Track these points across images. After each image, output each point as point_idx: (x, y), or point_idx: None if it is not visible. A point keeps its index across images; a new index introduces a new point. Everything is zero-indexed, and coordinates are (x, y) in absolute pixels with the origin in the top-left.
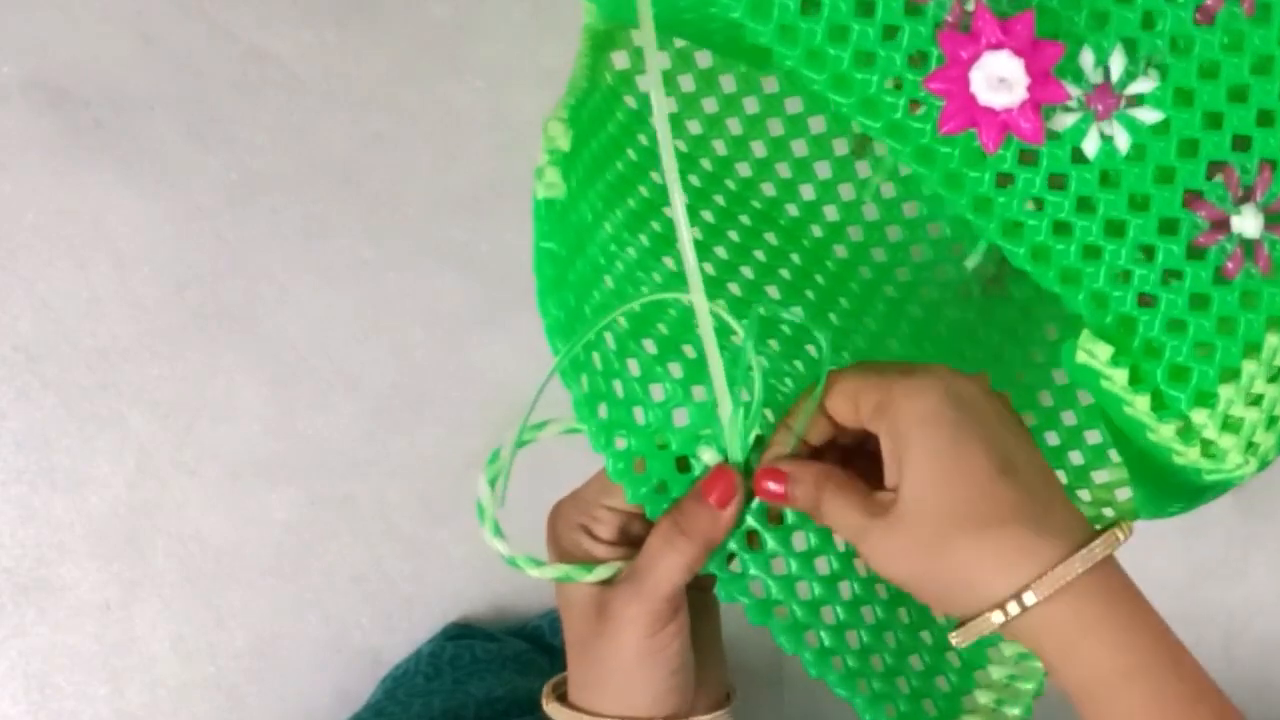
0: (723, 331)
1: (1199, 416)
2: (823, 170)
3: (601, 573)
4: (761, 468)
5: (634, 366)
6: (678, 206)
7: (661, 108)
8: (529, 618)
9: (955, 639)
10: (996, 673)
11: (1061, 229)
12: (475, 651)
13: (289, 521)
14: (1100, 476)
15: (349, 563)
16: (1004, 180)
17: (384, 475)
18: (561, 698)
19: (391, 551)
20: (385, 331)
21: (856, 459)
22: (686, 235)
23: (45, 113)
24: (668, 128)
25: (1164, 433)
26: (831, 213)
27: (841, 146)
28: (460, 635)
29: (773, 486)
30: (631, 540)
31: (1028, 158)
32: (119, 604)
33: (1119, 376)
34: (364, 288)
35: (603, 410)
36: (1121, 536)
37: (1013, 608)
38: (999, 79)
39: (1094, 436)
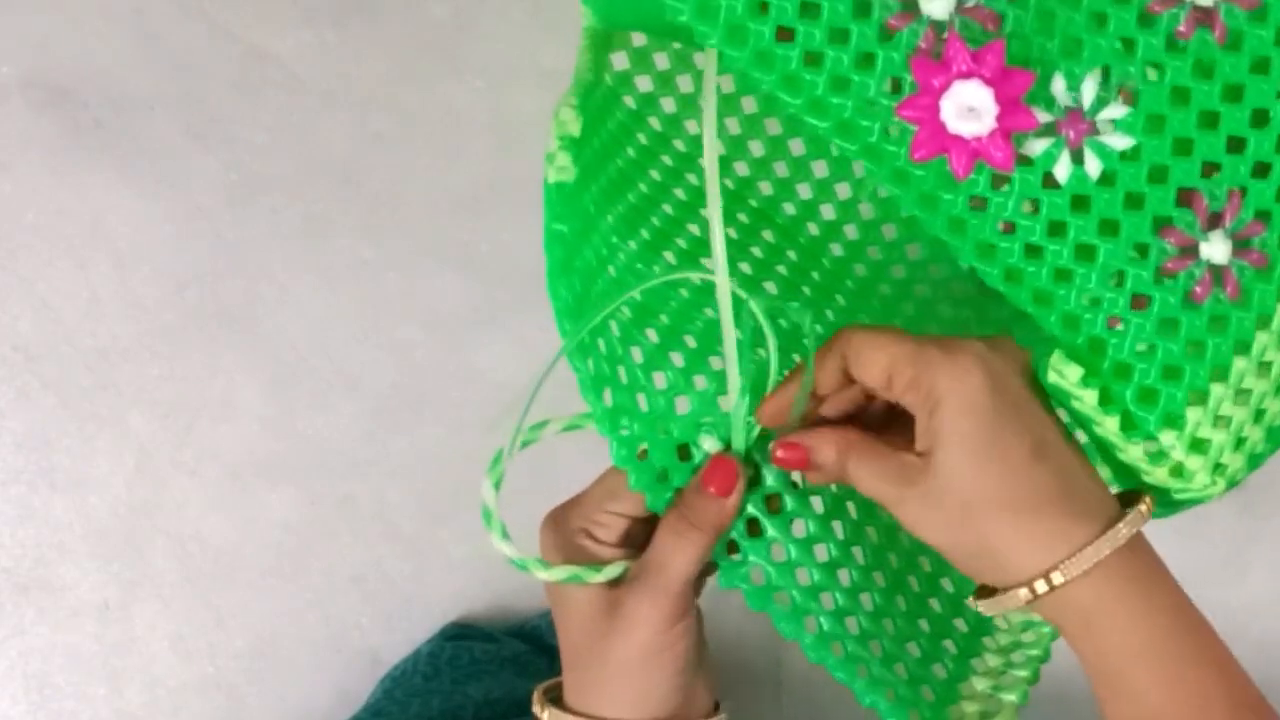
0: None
1: (1167, 438)
2: (820, 170)
3: (610, 572)
4: (777, 441)
5: (637, 354)
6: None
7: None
8: (528, 618)
9: (982, 607)
10: (993, 660)
11: (1033, 252)
12: (474, 652)
13: (288, 521)
14: None
15: (348, 563)
16: (977, 203)
17: (384, 475)
18: (554, 702)
19: (391, 552)
20: (385, 331)
21: (866, 416)
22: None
23: (45, 112)
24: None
25: (1133, 453)
26: (828, 212)
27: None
28: (459, 636)
29: (784, 455)
30: (633, 544)
31: (1000, 182)
32: (118, 604)
33: (1089, 397)
34: (364, 288)
35: (607, 396)
36: (1145, 511)
37: (1040, 586)
38: (968, 108)
39: (1081, 437)
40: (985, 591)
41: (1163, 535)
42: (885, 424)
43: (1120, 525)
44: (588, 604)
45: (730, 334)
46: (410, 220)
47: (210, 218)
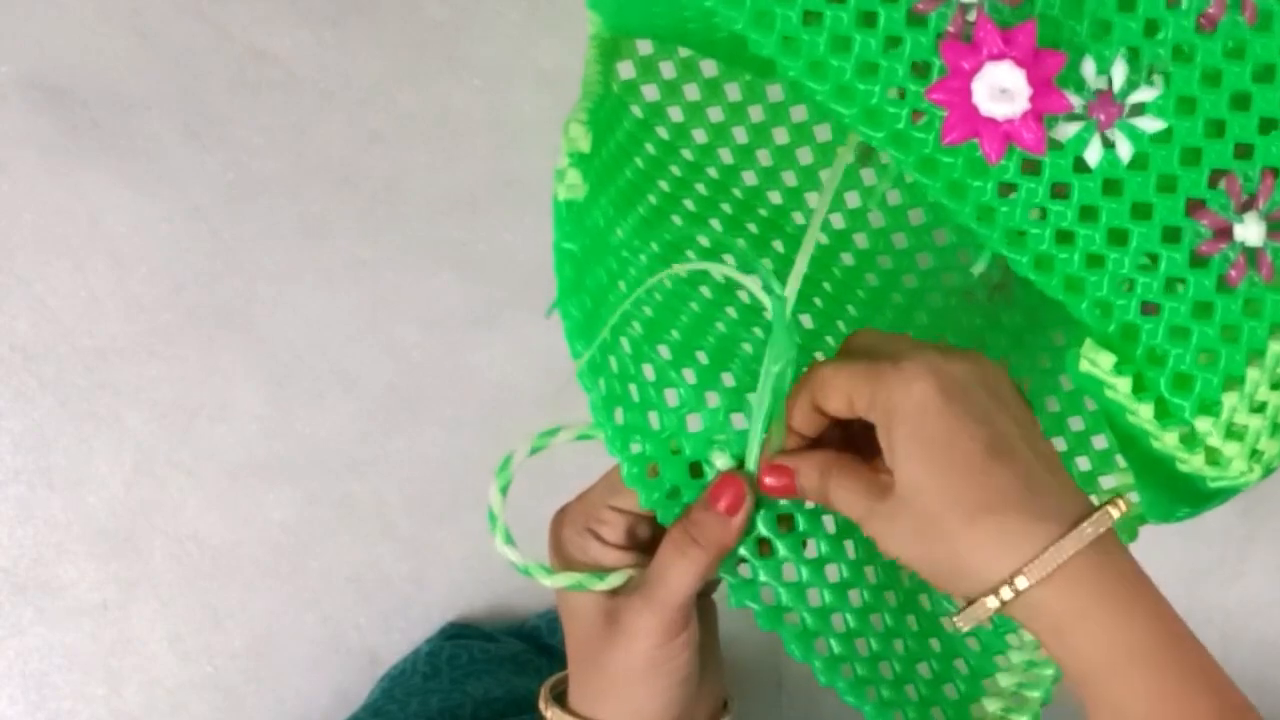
0: (734, 336)
1: (1203, 424)
2: (828, 177)
3: (613, 580)
4: (763, 465)
5: (649, 371)
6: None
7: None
8: (527, 618)
9: (958, 621)
10: (1005, 680)
11: (1064, 238)
12: (473, 651)
13: (286, 521)
14: (1108, 482)
15: (347, 562)
16: (1007, 190)
17: (382, 475)
18: (559, 699)
19: (389, 551)
20: (382, 331)
21: (858, 435)
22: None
23: (43, 112)
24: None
25: (1168, 441)
26: (838, 220)
27: (847, 154)
28: (458, 635)
29: (772, 482)
30: (639, 544)
31: (1030, 167)
32: (116, 604)
33: (1122, 385)
34: (361, 287)
35: (619, 414)
36: (1116, 513)
37: (1006, 592)
38: (1000, 89)
39: (1101, 442)
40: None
41: (1163, 535)
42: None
43: (1085, 525)
44: (591, 611)
45: (771, 363)
46: (408, 220)
47: (208, 217)
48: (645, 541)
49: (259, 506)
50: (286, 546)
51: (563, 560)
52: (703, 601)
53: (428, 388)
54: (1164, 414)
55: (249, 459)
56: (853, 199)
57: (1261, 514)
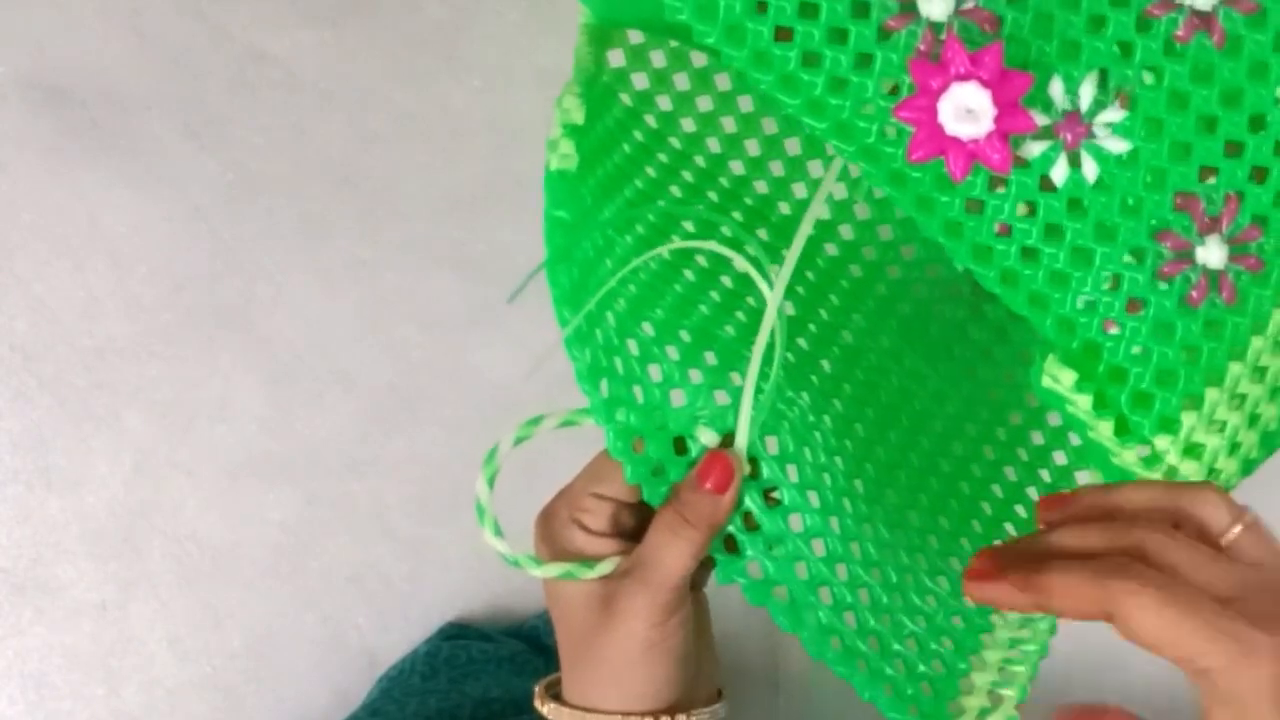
0: (716, 319)
1: (1161, 442)
2: (815, 168)
3: (603, 568)
4: None
5: (633, 346)
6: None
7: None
8: (525, 618)
9: None
10: (992, 656)
11: (1029, 255)
12: (471, 652)
13: (286, 521)
14: (1082, 477)
15: (346, 562)
16: (974, 206)
17: (381, 475)
18: (555, 698)
19: (388, 551)
20: (382, 331)
21: None
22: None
23: (42, 112)
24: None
25: (1127, 458)
26: (824, 211)
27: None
28: (456, 635)
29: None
30: (623, 532)
31: (996, 184)
32: (116, 604)
33: (1083, 401)
34: (361, 287)
35: (604, 386)
36: None
37: None
38: (966, 110)
39: (1077, 438)
40: None
41: None
42: None
43: None
44: (583, 599)
45: (766, 333)
46: (407, 220)
47: (207, 218)
48: (630, 529)
49: (258, 506)
50: (286, 546)
51: (550, 553)
52: (693, 594)
53: (428, 388)
54: (1124, 431)
55: (249, 459)
56: (839, 191)
57: (1261, 515)
